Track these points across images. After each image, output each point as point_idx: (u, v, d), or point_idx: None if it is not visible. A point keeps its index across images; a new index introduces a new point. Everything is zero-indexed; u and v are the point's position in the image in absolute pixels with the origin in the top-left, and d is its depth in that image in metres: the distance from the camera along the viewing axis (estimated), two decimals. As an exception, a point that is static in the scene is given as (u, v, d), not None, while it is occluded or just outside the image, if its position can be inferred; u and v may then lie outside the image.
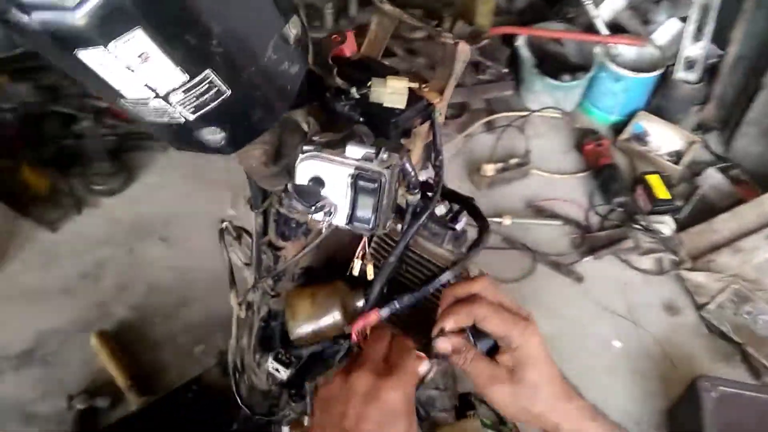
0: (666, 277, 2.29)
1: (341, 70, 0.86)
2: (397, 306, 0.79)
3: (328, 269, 1.00)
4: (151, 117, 0.55)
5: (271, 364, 0.90)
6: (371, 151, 0.69)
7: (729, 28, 2.66)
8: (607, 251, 2.32)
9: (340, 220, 0.71)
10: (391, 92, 0.80)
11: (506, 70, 2.58)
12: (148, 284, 2.13)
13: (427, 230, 0.94)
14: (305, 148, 0.73)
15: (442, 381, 1.39)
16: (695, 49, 2.69)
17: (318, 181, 0.69)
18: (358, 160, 0.69)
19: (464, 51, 0.91)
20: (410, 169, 0.82)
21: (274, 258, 0.94)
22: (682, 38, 2.71)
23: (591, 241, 2.37)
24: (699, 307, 2.19)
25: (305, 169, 0.69)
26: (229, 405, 1.07)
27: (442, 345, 0.73)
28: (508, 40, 2.81)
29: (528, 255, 2.32)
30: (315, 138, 0.78)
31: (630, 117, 2.75)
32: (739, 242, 2.24)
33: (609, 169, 2.50)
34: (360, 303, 0.87)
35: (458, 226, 1.11)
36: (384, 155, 0.69)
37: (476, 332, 0.77)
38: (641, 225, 2.34)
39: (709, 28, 2.65)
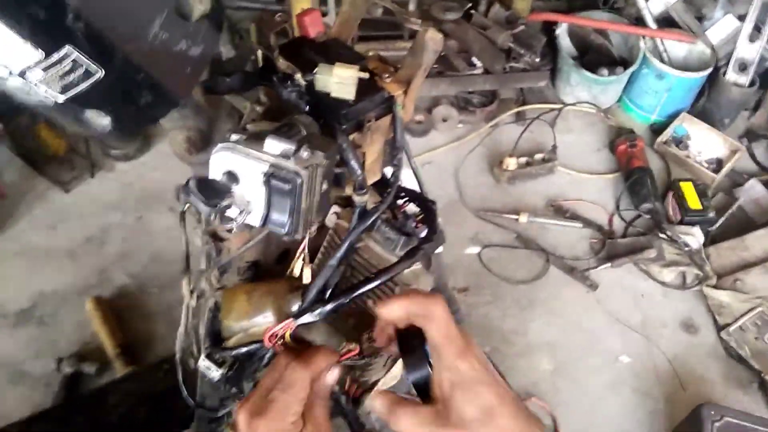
0: (688, 293, 2.14)
1: (288, 52, 0.79)
2: (317, 314, 0.72)
3: (281, 265, 0.94)
4: (22, 96, 0.50)
5: (202, 362, 0.85)
6: (291, 147, 0.62)
7: (789, 29, 2.45)
8: (628, 260, 2.18)
9: (254, 220, 0.64)
10: (338, 81, 0.73)
11: (539, 60, 2.44)
12: (151, 253, 2.13)
13: (380, 233, 0.87)
14: (231, 137, 0.66)
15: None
16: (750, 50, 2.49)
17: (231, 177, 0.63)
18: (275, 156, 0.62)
19: (434, 39, 0.82)
20: (356, 168, 0.75)
21: (217, 250, 0.89)
22: (737, 37, 2.51)
23: (611, 248, 2.24)
24: (719, 329, 2.04)
25: (218, 162, 0.63)
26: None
27: (377, 406, 0.63)
28: (547, 28, 2.66)
29: (542, 256, 2.21)
30: (248, 126, 0.72)
31: (672, 118, 2.57)
32: (772, 263, 2.07)
33: (640, 172, 2.35)
34: (295, 307, 0.81)
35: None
36: (304, 153, 0.62)
37: (408, 352, 0.67)
38: (667, 235, 2.19)
39: (767, 29, 2.44)
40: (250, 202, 0.63)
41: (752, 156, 2.58)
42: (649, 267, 2.18)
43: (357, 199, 0.78)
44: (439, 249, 1.26)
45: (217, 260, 0.89)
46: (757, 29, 2.47)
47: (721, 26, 2.61)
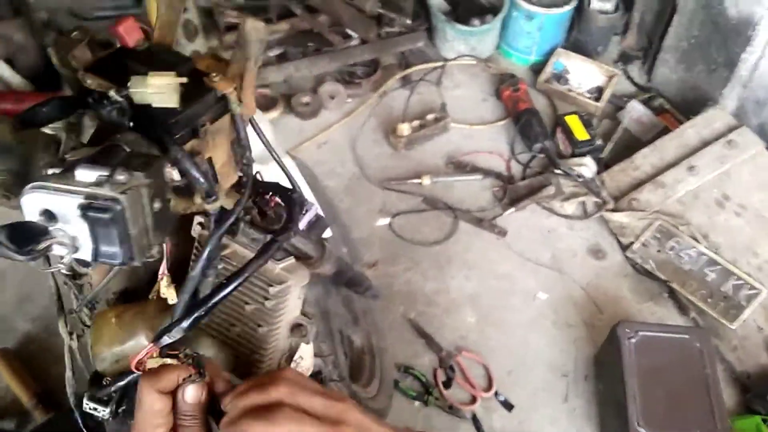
0: (591, 221, 2.24)
1: (106, 67, 0.74)
2: (175, 332, 0.69)
3: (151, 288, 0.90)
4: None
5: (86, 405, 0.81)
6: (105, 172, 0.58)
7: (642, -50, 2.55)
8: (529, 201, 2.25)
9: (85, 255, 0.60)
10: (155, 91, 0.69)
11: (411, 21, 2.44)
12: (50, 293, 2.01)
13: (245, 236, 0.84)
14: (49, 172, 0.62)
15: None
16: (608, -24, 2.57)
17: (48, 215, 0.58)
18: (89, 185, 0.58)
19: (255, 29, 0.79)
20: (197, 176, 0.72)
21: (76, 287, 0.84)
22: (595, -33, 2.59)
23: (512, 192, 2.30)
24: (624, 249, 2.15)
25: (31, 203, 0.58)
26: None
27: None
28: (415, -13, 2.66)
29: (450, 214, 2.25)
30: (66, 157, 0.67)
31: (549, 56, 2.64)
32: (661, 177, 2.18)
33: (527, 113, 2.41)
34: (169, 328, 0.77)
35: (303, 222, 1.02)
36: (120, 176, 0.58)
37: None
38: (561, 169, 2.27)
39: (621, -47, 2.53)
40: (76, 237, 0.59)
41: (629, 78, 2.69)
42: (551, 204, 2.26)
43: (208, 207, 0.75)
44: (327, 233, 1.25)
45: (82, 297, 0.84)
46: (612, -45, 2.56)
47: (579, -42, 2.69)
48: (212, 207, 0.75)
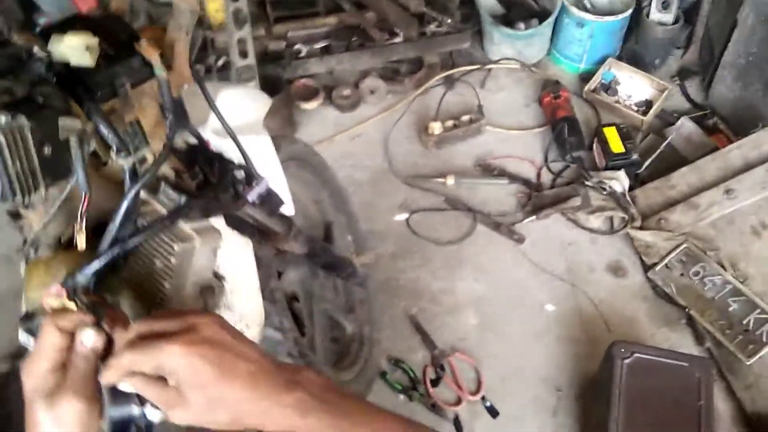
0: (615, 237, 2.15)
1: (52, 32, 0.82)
2: (83, 275, 0.75)
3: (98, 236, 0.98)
4: None
5: (20, 336, 0.89)
6: (-11, 115, 0.65)
7: (709, -39, 2.41)
8: (553, 210, 2.19)
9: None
10: (71, 50, 0.76)
11: (455, 21, 2.44)
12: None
13: (164, 196, 0.90)
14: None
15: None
16: (671, -13, 2.45)
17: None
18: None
19: (186, 1, 0.85)
20: (105, 131, 0.78)
21: (18, 228, 0.93)
22: (659, -24, 2.48)
23: (537, 200, 2.25)
24: (646, 269, 2.05)
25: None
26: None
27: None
28: (468, -12, 2.66)
29: (469, 216, 2.23)
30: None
31: (600, 65, 2.55)
32: (695, 198, 2.06)
33: (565, 122, 2.35)
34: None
35: (252, 195, 1.07)
36: (2, 118, 0.65)
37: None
38: (592, 181, 2.19)
39: (686, -37, 2.41)
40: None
41: (685, 94, 2.55)
42: (576, 215, 2.19)
43: (121, 162, 0.81)
44: (288, 211, 1.29)
45: (24, 239, 0.93)
46: (677, -36, 2.44)
47: (644, -33, 2.58)
48: (125, 162, 0.81)
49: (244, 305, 1.18)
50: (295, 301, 1.67)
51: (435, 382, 1.86)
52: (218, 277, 0.95)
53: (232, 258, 1.12)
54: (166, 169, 0.94)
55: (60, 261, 0.88)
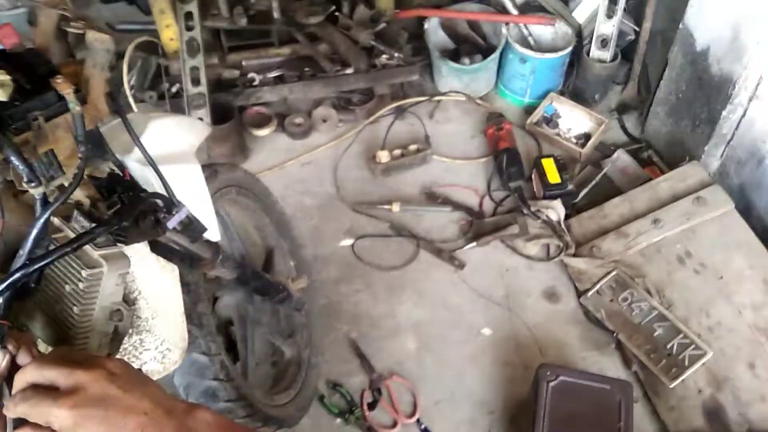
0: (551, 264, 2.23)
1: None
2: None
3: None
4: None
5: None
6: None
7: (644, 2, 2.55)
8: (492, 237, 2.27)
9: None
10: (-16, 86, 0.81)
11: (401, 55, 2.53)
12: None
13: (76, 223, 0.94)
14: None
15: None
16: (608, 26, 2.59)
17: None
18: None
19: (99, 39, 0.90)
20: (15, 162, 0.83)
21: None
22: (595, 14, 2.61)
23: (478, 227, 2.33)
24: (579, 295, 2.13)
25: None
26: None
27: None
28: (418, 23, 2.76)
29: (412, 242, 2.30)
30: None
31: (542, 99, 2.67)
32: (625, 227, 2.16)
33: (506, 153, 2.44)
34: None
35: (171, 222, 1.12)
36: None
37: None
38: (530, 210, 2.28)
39: (622, 3, 2.53)
40: None
41: (623, 127, 2.68)
42: (514, 242, 2.27)
43: (31, 191, 0.86)
44: (214, 237, 1.34)
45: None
46: (614, 3, 2.57)
47: (585, 5, 2.72)
48: (35, 191, 0.86)
49: (166, 329, 1.22)
50: (231, 325, 1.71)
51: (372, 406, 1.90)
52: (129, 301, 1.00)
53: (153, 282, 1.16)
54: (81, 197, 0.98)
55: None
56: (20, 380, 0.67)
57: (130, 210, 0.98)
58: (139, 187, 1.04)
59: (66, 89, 0.88)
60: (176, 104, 2.44)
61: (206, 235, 1.25)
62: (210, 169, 1.61)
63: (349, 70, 2.61)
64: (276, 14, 2.53)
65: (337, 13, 2.60)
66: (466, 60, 2.62)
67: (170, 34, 2.45)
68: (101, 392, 0.64)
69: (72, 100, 0.89)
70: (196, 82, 2.39)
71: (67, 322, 0.92)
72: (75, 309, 0.90)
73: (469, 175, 2.52)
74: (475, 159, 2.57)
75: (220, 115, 2.42)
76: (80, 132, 0.91)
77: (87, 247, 0.91)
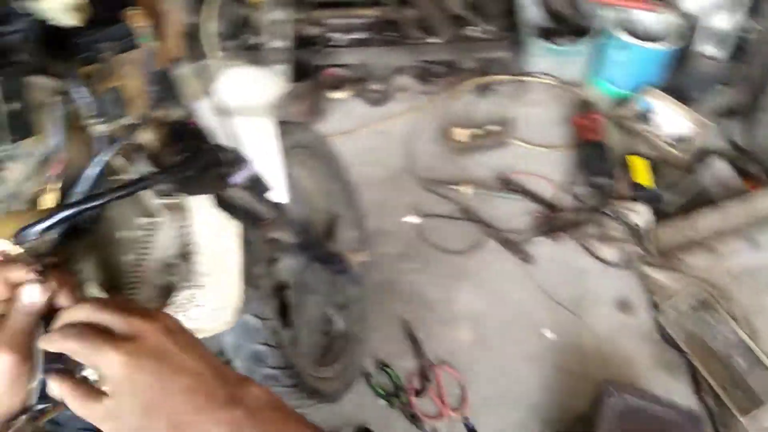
0: (627, 272, 2.07)
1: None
2: (34, 231, 0.73)
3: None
4: None
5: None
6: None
7: (769, -2, 2.30)
8: (567, 234, 2.12)
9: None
10: (55, 9, 0.74)
11: (490, 27, 2.38)
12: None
13: (135, 166, 0.88)
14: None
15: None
16: (726, 20, 2.35)
17: None
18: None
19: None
20: (77, 95, 0.77)
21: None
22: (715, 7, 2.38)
23: (553, 222, 2.18)
24: (655, 309, 1.97)
25: None
26: None
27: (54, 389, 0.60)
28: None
29: (481, 228, 2.18)
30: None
31: (639, 92, 2.47)
32: (716, 243, 1.97)
33: (594, 146, 2.27)
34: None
35: (236, 178, 1.04)
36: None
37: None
38: (612, 211, 2.11)
39: (745, -4, 2.29)
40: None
41: (725, 133, 2.45)
42: (590, 243, 2.12)
43: (94, 127, 0.79)
44: (280, 198, 1.26)
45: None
46: (735, -2, 2.33)
47: (701, -4, 2.48)
48: (97, 130, 0.79)
49: (222, 287, 1.16)
50: (286, 289, 1.65)
51: (418, 392, 1.82)
52: (185, 254, 0.93)
53: (213, 237, 1.10)
54: (149, 141, 0.92)
55: (31, 217, 0.87)
56: (71, 316, 0.61)
57: (195, 160, 0.91)
58: (207, 138, 0.97)
59: (141, 23, 0.81)
60: (255, 57, 2.38)
61: (271, 195, 1.18)
62: (283, 127, 1.54)
63: (435, 39, 2.48)
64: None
65: (430, -23, 2.46)
66: (561, 41, 2.44)
67: (258, -17, 2.38)
68: (158, 345, 0.59)
69: (146, 35, 0.82)
70: (279, 36, 2.31)
71: (119, 268, 0.87)
72: (128, 257, 0.84)
73: (549, 164, 2.36)
74: (558, 148, 2.41)
75: (297, 73, 2.34)
76: (151, 71, 0.84)
77: (147, 194, 0.85)
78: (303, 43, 2.44)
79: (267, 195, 1.14)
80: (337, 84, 2.55)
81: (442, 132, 2.44)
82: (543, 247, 2.13)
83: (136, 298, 0.88)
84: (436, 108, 2.51)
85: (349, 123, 2.49)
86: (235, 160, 1.03)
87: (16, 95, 0.69)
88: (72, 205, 0.76)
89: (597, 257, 2.10)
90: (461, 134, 2.35)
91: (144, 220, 0.83)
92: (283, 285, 1.64)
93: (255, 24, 2.43)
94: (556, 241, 2.13)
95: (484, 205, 2.25)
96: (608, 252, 2.09)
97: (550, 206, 2.23)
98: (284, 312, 1.65)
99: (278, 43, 2.31)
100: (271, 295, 1.38)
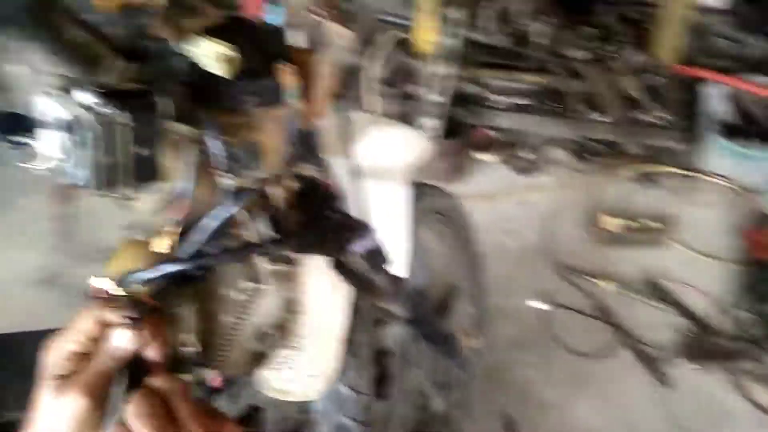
0: (788, 427, 1.73)
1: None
2: (141, 279, 0.70)
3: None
4: None
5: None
6: (96, 100, 0.61)
7: None
8: (719, 365, 1.82)
9: (50, 163, 0.64)
10: (204, 55, 0.71)
11: (664, 115, 2.15)
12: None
13: (254, 226, 0.82)
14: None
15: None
16: None
17: (41, 119, 0.64)
18: (82, 106, 0.62)
19: (338, 33, 0.76)
20: (210, 144, 0.73)
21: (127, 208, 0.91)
22: None
23: (704, 346, 1.89)
24: (818, 483, 1.61)
25: (38, 104, 0.64)
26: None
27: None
28: (697, 84, 2.34)
29: (616, 333, 1.94)
30: (105, 81, 0.73)
31: (838, 216, 2.10)
32: None
33: (766, 268, 1.95)
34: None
35: (357, 247, 0.97)
36: (106, 108, 0.61)
37: None
38: (780, 350, 1.79)
39: None
40: (54, 147, 0.64)
41: None
42: (746, 382, 1.80)
43: (223, 179, 0.75)
44: (396, 270, 1.16)
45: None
46: None
47: None
48: (225, 182, 0.75)
49: (320, 353, 1.09)
50: (388, 356, 1.55)
51: (507, 504, 1.62)
52: (285, 326, 0.86)
53: (320, 299, 1.03)
54: (276, 198, 0.87)
55: (147, 254, 0.84)
56: (157, 386, 0.59)
57: (317, 225, 0.84)
58: (336, 201, 0.90)
59: (290, 80, 0.76)
60: (410, 107, 2.35)
61: (389, 268, 1.09)
62: (419, 189, 1.46)
63: (601, 117, 2.30)
64: (540, 39, 2.31)
65: (605, 53, 2.29)
66: (747, 143, 2.15)
67: (428, 35, 2.36)
68: None
69: (293, 94, 0.76)
70: (437, 90, 2.27)
71: (216, 325, 0.81)
72: (227, 317, 0.79)
73: (709, 277, 2.07)
74: (723, 260, 2.10)
75: (447, 130, 2.27)
76: (292, 131, 0.78)
77: (257, 257, 0.79)
78: (459, 99, 2.37)
79: (385, 267, 1.05)
80: (487, 146, 2.44)
81: (589, 216, 2.24)
82: (685, 372, 1.84)
83: (224, 358, 0.82)
84: (587, 188, 2.32)
85: (491, 188, 2.37)
86: (359, 227, 0.96)
87: (149, 141, 0.66)
88: (180, 261, 0.72)
89: (750, 400, 1.78)
90: (611, 223, 2.13)
91: (249, 285, 0.77)
92: (385, 352, 1.54)
93: (416, 74, 2.41)
94: (702, 369, 1.84)
95: (624, 307, 2.01)
96: (765, 397, 1.77)
97: (702, 326, 1.94)
98: (381, 381, 1.55)
99: (435, 97, 2.26)
100: (370, 363, 1.29)
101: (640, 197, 2.27)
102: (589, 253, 2.15)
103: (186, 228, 0.84)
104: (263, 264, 0.79)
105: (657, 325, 1.96)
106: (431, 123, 2.20)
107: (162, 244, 0.78)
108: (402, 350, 1.52)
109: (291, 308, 0.86)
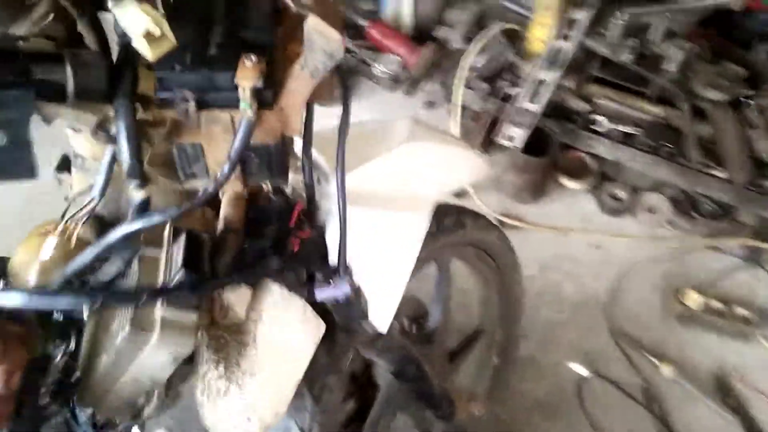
0: None
1: None
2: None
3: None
4: None
5: None
6: None
7: None
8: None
9: None
10: (129, 25, 0.53)
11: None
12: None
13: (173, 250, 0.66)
14: None
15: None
16: None
17: None
18: None
19: (321, 33, 0.56)
20: (122, 147, 0.56)
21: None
22: None
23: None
24: None
25: None
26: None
27: None
28: None
29: (655, 424, 1.65)
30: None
31: None
32: None
33: None
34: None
35: (321, 294, 0.79)
36: None
37: None
38: None
39: None
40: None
41: None
42: None
43: (131, 189, 0.58)
44: (375, 324, 0.96)
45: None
46: None
47: None
48: (136, 194, 0.58)
49: (262, 394, 0.92)
50: (373, 389, 1.36)
51: None
52: (170, 385, 0.69)
53: (282, 333, 0.86)
54: (210, 220, 0.70)
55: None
56: None
57: (266, 259, 0.67)
58: (303, 226, 0.72)
59: (245, 82, 0.57)
60: (499, 108, 2.09)
61: (368, 322, 0.89)
62: (456, 217, 1.24)
63: (720, 173, 1.94)
64: (671, 67, 1.96)
65: (747, 100, 1.91)
66: None
67: (541, 34, 2.07)
68: None
69: (245, 98, 0.57)
70: (535, 97, 1.99)
71: (94, 358, 0.67)
72: (104, 357, 0.64)
73: (796, 393, 1.71)
74: (818, 380, 1.73)
75: (533, 144, 1.99)
76: (239, 143, 0.60)
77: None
78: (557, 112, 2.08)
79: (361, 321, 0.86)
80: (577, 172, 2.15)
81: (670, 284, 1.91)
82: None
83: (94, 401, 0.67)
84: (679, 251, 1.98)
85: (567, 220, 2.09)
86: (330, 272, 0.77)
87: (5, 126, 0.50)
88: (67, 294, 0.57)
89: None
90: (694, 298, 1.81)
91: (129, 331, 0.60)
92: (372, 388, 1.36)
93: (517, 74, 2.14)
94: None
95: (676, 400, 1.70)
96: None
97: (768, 451, 1.61)
98: (363, 410, 1.37)
99: (530, 104, 1.99)
100: (336, 409, 1.11)
101: (737, 277, 1.91)
102: (657, 327, 1.84)
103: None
104: (154, 313, 0.61)
105: (711, 428, 1.65)
106: (514, 131, 1.94)
107: (49, 244, 0.64)
108: (387, 392, 1.33)
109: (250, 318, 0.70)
